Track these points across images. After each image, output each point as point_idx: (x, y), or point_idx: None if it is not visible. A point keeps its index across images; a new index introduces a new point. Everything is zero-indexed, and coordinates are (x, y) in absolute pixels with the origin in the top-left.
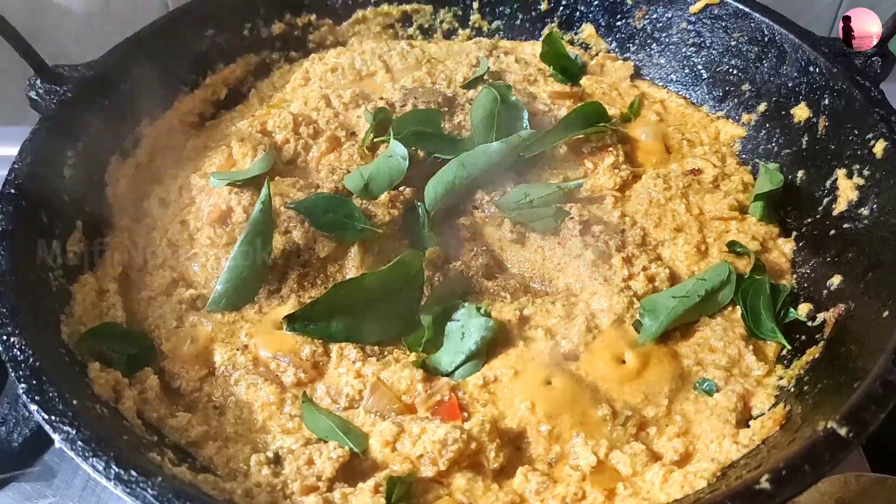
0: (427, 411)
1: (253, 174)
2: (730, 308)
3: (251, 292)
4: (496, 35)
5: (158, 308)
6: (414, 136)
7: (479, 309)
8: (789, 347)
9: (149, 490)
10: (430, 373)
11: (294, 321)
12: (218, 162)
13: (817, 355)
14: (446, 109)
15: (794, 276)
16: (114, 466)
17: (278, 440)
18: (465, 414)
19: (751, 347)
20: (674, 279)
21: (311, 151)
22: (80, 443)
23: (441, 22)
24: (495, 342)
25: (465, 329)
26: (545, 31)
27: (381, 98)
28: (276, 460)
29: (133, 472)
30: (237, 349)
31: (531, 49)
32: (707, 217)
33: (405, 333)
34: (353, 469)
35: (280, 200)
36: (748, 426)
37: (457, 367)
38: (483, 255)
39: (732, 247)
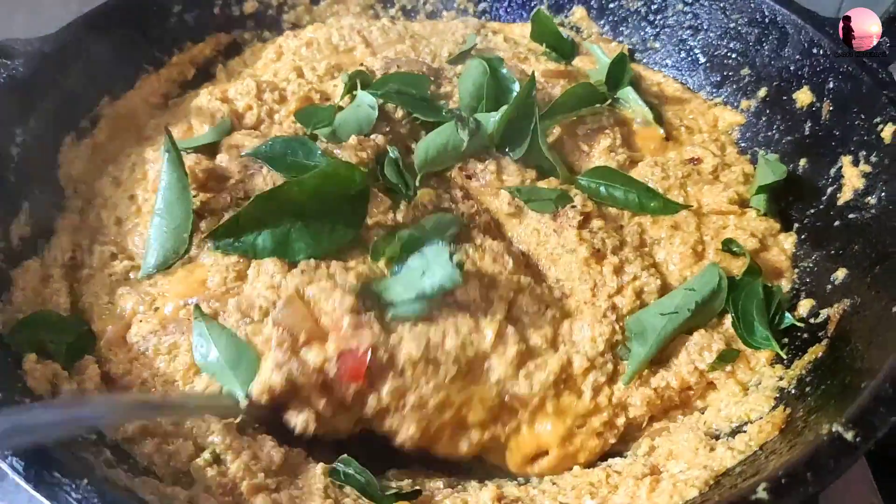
0: (335, 352)
1: (207, 141)
2: (715, 319)
3: (179, 244)
4: (483, 17)
5: (94, 286)
6: (396, 94)
7: (451, 256)
8: (784, 357)
9: (72, 493)
10: (368, 299)
11: (218, 237)
12: (177, 135)
13: (820, 354)
14: (433, 79)
15: (796, 270)
16: (34, 467)
17: (212, 435)
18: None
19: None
20: (664, 288)
21: (279, 115)
22: None
23: (424, 3)
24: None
25: (428, 268)
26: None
27: (362, 65)
28: (217, 459)
29: (56, 474)
30: (146, 314)
31: (520, 31)
32: (705, 210)
33: (343, 251)
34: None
35: (235, 152)
36: (744, 431)
37: (402, 302)
38: (484, 213)
39: (728, 245)
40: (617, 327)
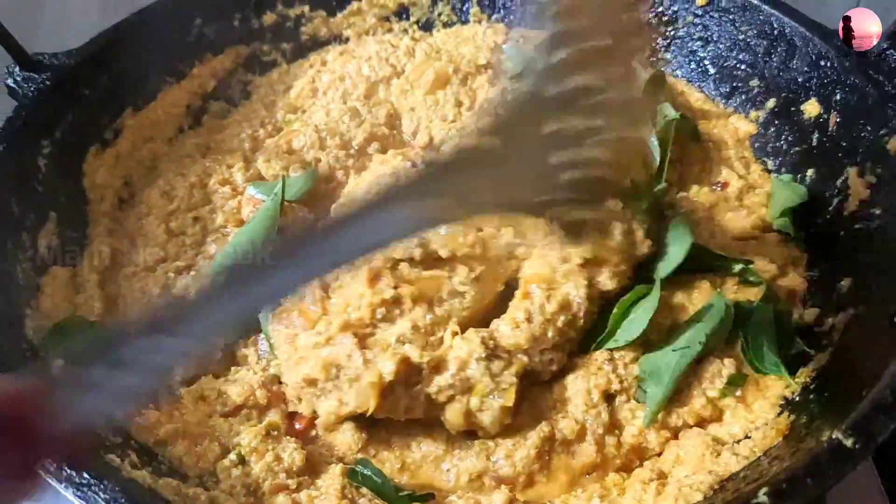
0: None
1: (297, 196)
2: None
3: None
4: None
5: (138, 282)
6: None
7: None
8: (793, 384)
9: (101, 494)
10: None
11: None
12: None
13: (824, 362)
14: None
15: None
16: (66, 469)
17: (238, 435)
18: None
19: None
20: (674, 327)
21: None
22: None
23: (439, 14)
24: None
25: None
26: None
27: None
28: (243, 460)
29: (86, 475)
30: None
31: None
32: (728, 238)
33: None
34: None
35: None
36: (749, 437)
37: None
38: None
39: (744, 275)
40: (613, 377)
